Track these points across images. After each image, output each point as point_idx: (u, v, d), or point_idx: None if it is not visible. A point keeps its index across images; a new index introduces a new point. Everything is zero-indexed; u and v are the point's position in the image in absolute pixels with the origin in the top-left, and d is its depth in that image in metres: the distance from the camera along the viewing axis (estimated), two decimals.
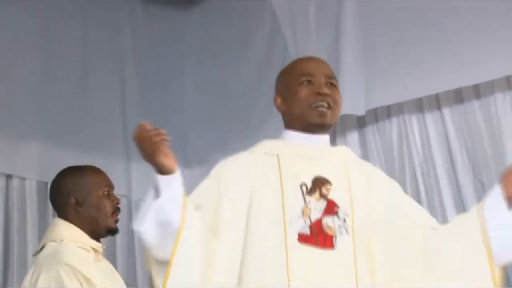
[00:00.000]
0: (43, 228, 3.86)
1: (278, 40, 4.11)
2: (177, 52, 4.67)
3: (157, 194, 1.96)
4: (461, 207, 3.80)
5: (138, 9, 4.51)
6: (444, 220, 3.74)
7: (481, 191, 3.72)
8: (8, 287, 3.91)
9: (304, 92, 2.13)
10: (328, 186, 2.13)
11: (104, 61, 4.32)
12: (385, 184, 2.28)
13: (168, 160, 1.95)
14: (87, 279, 2.52)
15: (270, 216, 2.07)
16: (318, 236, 2.07)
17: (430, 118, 3.89)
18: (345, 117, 3.87)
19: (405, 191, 3.77)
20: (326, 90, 2.12)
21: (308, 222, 2.08)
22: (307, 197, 2.11)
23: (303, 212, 2.09)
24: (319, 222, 2.09)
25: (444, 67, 3.74)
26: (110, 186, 2.76)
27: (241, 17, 4.44)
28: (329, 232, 2.08)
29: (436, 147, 3.89)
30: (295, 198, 2.10)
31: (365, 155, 4.00)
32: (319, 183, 2.14)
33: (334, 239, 2.07)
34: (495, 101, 3.67)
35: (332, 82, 2.17)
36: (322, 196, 2.13)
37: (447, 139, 3.86)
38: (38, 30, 4.02)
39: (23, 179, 3.93)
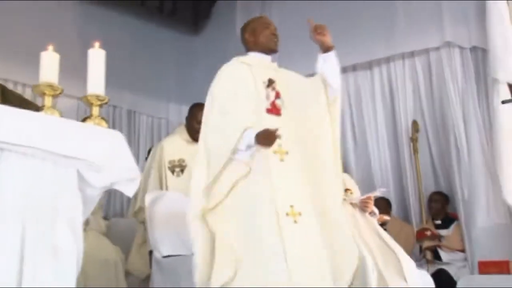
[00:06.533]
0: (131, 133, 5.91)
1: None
2: (195, 50, 6.83)
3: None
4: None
5: (182, 26, 6.77)
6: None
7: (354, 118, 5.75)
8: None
9: (267, 32, 3.04)
10: (275, 84, 2.91)
11: (163, 48, 6.54)
12: (300, 85, 3.04)
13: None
14: (162, 148, 3.97)
15: (252, 99, 2.84)
16: (274, 109, 2.87)
17: None
18: None
19: None
20: (277, 33, 3.06)
21: (269, 102, 2.87)
22: (267, 89, 2.89)
23: (266, 97, 2.88)
24: (274, 102, 2.88)
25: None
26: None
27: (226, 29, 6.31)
28: (278, 107, 2.88)
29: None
30: (262, 89, 2.88)
31: None
32: (271, 81, 2.90)
33: (280, 110, 2.89)
34: (358, 77, 5.79)
35: (275, 30, 3.09)
36: (273, 89, 2.89)
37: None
38: (128, 30, 6.20)
39: (120, 107, 5.90)
